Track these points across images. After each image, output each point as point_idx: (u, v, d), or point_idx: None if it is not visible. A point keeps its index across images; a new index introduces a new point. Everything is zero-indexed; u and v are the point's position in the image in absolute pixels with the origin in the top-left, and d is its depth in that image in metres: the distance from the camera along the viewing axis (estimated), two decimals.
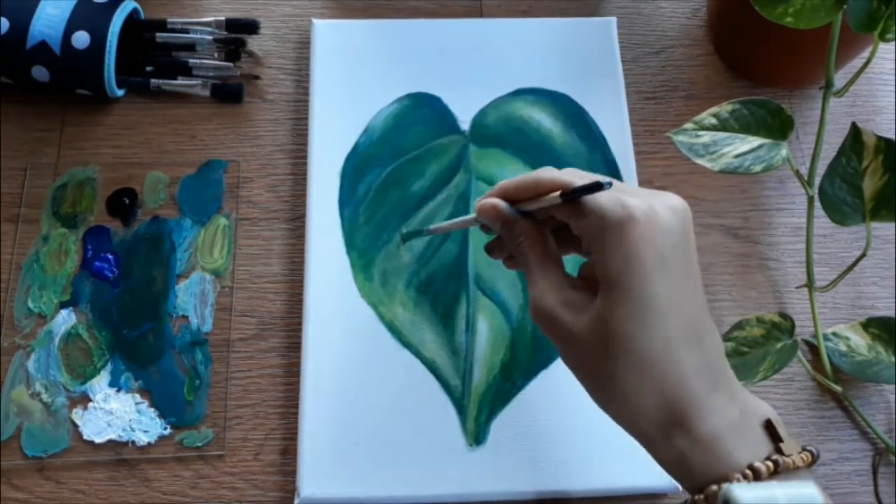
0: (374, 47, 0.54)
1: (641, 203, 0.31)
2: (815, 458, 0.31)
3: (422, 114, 0.52)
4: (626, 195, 0.32)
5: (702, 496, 0.30)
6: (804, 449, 0.31)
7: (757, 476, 0.29)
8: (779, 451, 0.31)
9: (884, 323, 0.47)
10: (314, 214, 0.49)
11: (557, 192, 0.33)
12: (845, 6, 0.42)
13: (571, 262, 0.43)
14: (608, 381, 0.32)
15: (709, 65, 0.57)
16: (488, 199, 0.37)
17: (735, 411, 0.31)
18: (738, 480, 0.29)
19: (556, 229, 0.37)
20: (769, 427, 0.31)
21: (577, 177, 0.34)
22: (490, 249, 0.40)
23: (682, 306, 0.31)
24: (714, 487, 0.30)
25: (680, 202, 0.33)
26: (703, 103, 0.52)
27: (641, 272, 0.31)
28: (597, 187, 0.31)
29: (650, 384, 0.31)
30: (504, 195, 0.37)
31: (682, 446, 0.31)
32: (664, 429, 0.31)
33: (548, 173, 0.35)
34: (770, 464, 0.30)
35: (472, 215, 0.39)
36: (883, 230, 0.51)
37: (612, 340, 0.31)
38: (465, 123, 0.52)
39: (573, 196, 0.32)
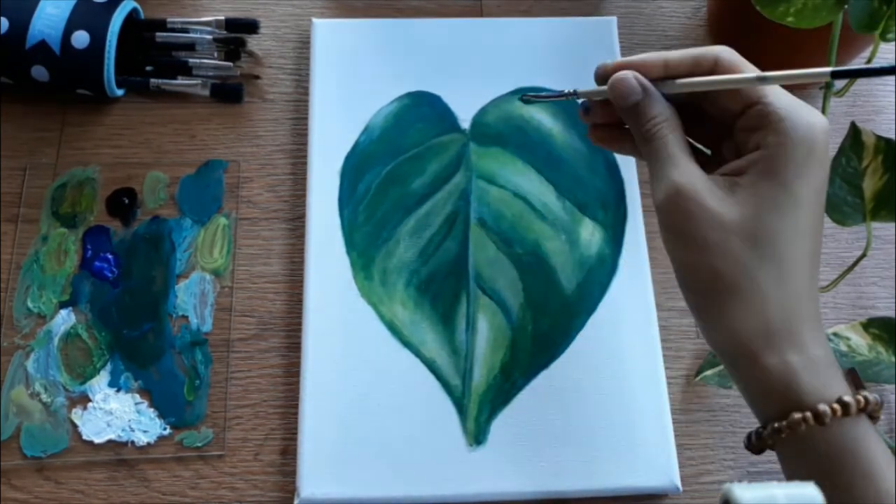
0: (374, 46, 0.54)
1: (820, 123, 0.32)
2: (880, 406, 0.32)
3: (422, 112, 0.52)
4: (806, 112, 0.32)
5: (784, 423, 0.30)
6: (877, 399, 0.32)
7: (846, 410, 0.30)
8: (860, 393, 0.31)
9: (884, 323, 0.47)
10: (314, 214, 0.49)
11: (739, 76, 0.32)
12: (846, 6, 0.42)
13: None
14: (742, 277, 0.31)
15: None
16: (625, 71, 0.34)
17: (827, 350, 0.32)
18: (828, 410, 0.29)
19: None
20: (853, 373, 0.34)
21: (745, 65, 0.34)
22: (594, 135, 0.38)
23: (819, 229, 0.32)
24: (797, 415, 0.30)
25: (827, 124, 0.33)
26: None
27: (817, 185, 0.31)
28: (883, 70, 0.31)
29: (787, 293, 0.31)
30: (654, 66, 0.34)
31: (793, 361, 0.31)
32: (779, 340, 0.31)
33: (726, 53, 0.34)
34: (861, 399, 0.30)
35: (601, 87, 0.35)
36: (883, 230, 0.51)
37: (761, 234, 0.31)
38: (465, 122, 0.52)
39: (838, 76, 0.31)
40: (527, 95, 0.41)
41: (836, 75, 0.30)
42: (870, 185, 0.45)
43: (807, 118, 0.32)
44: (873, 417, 0.31)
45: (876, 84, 0.57)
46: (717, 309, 0.32)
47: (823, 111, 0.45)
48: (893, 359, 0.46)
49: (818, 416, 0.30)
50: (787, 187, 0.31)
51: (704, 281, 0.32)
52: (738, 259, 0.31)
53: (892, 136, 0.45)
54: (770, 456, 0.46)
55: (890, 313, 0.49)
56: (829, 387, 0.30)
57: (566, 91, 0.38)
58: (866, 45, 0.49)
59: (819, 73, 0.31)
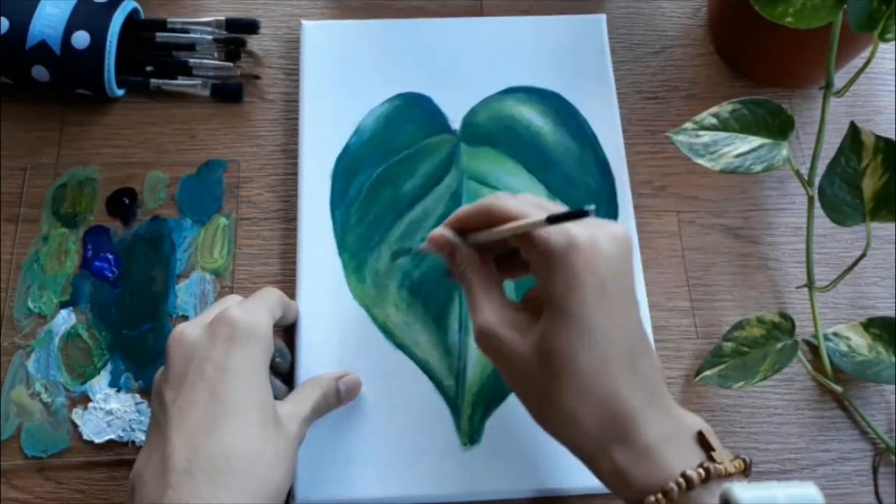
0: (365, 48, 0.54)
1: (584, 231, 0.34)
2: (748, 465, 0.33)
3: (412, 113, 0.52)
4: (571, 224, 0.34)
5: None
6: (737, 457, 0.33)
7: (689, 484, 0.31)
8: (711, 459, 0.33)
9: (884, 323, 0.47)
10: (305, 216, 0.49)
11: (514, 225, 0.35)
12: (845, 6, 0.42)
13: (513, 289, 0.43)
14: (550, 400, 0.34)
15: (709, 65, 0.57)
16: (439, 229, 0.40)
17: (669, 425, 0.34)
18: (672, 489, 0.31)
19: (500, 257, 0.40)
20: (701, 438, 0.33)
21: (530, 206, 0.36)
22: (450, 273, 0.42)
23: (618, 329, 0.34)
24: (651, 498, 0.32)
25: (621, 231, 0.35)
26: (704, 103, 0.52)
27: (581, 296, 0.33)
28: (581, 214, 0.31)
29: (590, 401, 0.33)
30: (457, 224, 0.39)
31: (621, 459, 0.33)
32: (604, 443, 0.33)
33: (499, 202, 0.37)
34: (701, 471, 0.32)
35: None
36: (883, 230, 0.51)
37: (554, 360, 0.33)
38: (455, 123, 0.52)
39: (558, 221, 0.32)
40: (395, 252, 0.48)
41: (551, 220, 0.32)
42: (869, 185, 0.45)
43: (567, 230, 0.34)
44: (741, 473, 0.33)
45: (876, 84, 0.57)
46: (543, 423, 0.36)
47: (823, 112, 0.45)
48: (893, 359, 0.46)
49: None
50: (560, 305, 0.33)
51: (524, 400, 0.37)
52: (540, 384, 0.34)
53: (892, 136, 0.45)
54: (770, 456, 0.46)
55: (890, 313, 0.49)
56: (664, 469, 0.32)
57: (414, 249, 0.47)
58: (865, 46, 0.49)
59: (536, 223, 0.34)
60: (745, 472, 0.33)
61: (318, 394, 0.41)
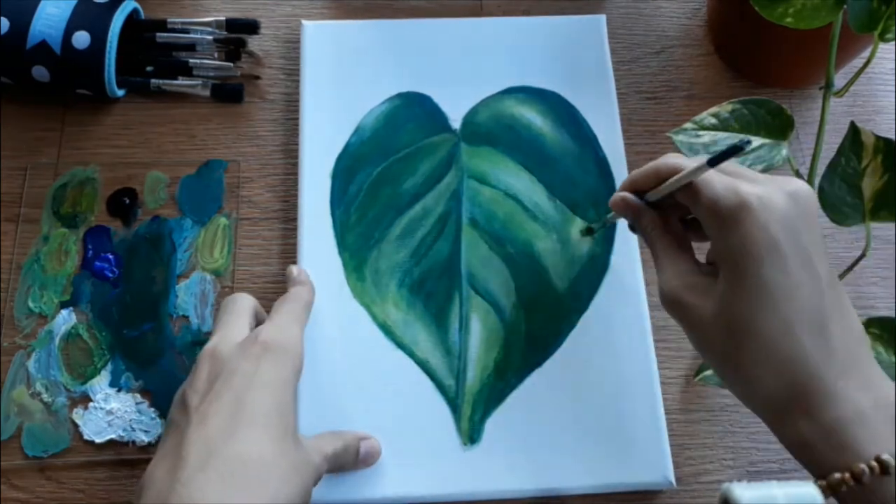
0: (365, 47, 0.54)
1: (757, 189, 0.32)
2: None
3: (412, 113, 0.52)
4: (743, 181, 0.33)
5: (824, 482, 0.30)
6: None
7: (884, 469, 0.28)
8: None
9: (884, 323, 0.47)
10: (306, 215, 0.49)
11: (678, 175, 0.35)
12: (845, 6, 0.42)
13: None
14: (733, 365, 0.33)
15: (709, 65, 0.57)
16: (618, 193, 0.40)
17: (867, 399, 0.30)
18: (863, 472, 0.28)
19: (692, 218, 0.39)
20: None
21: (693, 161, 0.35)
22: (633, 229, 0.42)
23: (799, 290, 0.32)
24: (837, 476, 0.29)
25: (802, 187, 0.33)
26: (704, 103, 0.52)
27: (755, 257, 0.31)
28: (736, 150, 0.31)
29: (773, 367, 0.31)
30: (632, 186, 0.39)
31: (806, 431, 0.31)
32: (787, 412, 0.31)
33: (667, 159, 0.37)
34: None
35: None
36: (883, 230, 0.51)
37: (734, 324, 0.32)
38: (455, 122, 0.52)
39: (719, 161, 0.32)
40: (588, 227, 0.49)
41: (712, 163, 0.32)
42: (869, 185, 0.45)
43: (736, 188, 0.33)
44: None
45: (876, 84, 0.57)
46: (729, 385, 0.35)
47: (823, 112, 0.45)
48: (893, 359, 0.46)
49: (832, 486, 0.29)
50: (736, 267, 0.32)
51: (710, 362, 0.35)
52: (722, 349, 0.33)
53: (892, 136, 0.45)
54: (770, 456, 0.46)
55: (890, 313, 0.49)
56: (855, 449, 0.29)
57: (606, 219, 0.47)
58: (865, 46, 0.49)
59: (697, 169, 0.33)
60: None
61: (340, 444, 0.40)
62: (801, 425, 0.31)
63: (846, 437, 0.30)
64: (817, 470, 0.31)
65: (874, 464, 0.29)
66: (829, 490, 0.29)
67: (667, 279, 0.36)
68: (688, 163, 0.35)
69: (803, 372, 0.31)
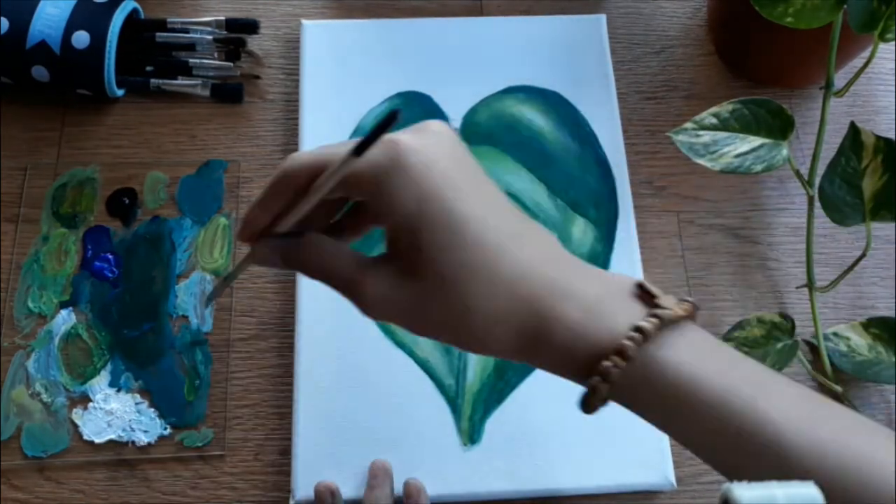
0: (364, 47, 0.54)
1: (407, 137, 0.29)
2: (696, 307, 0.29)
3: (412, 112, 0.52)
4: (389, 137, 0.29)
5: (598, 378, 0.27)
6: (682, 300, 0.29)
7: (644, 335, 0.27)
8: (656, 306, 0.28)
9: (884, 323, 0.47)
10: None
11: (322, 179, 0.28)
12: (845, 6, 0.42)
13: None
14: (466, 319, 0.29)
15: (709, 65, 0.57)
16: (260, 244, 0.32)
17: (597, 285, 0.29)
18: (627, 346, 0.27)
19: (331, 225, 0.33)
20: (641, 288, 0.29)
21: (325, 153, 0.29)
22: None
23: (492, 213, 0.29)
24: (606, 363, 0.27)
25: (437, 125, 0.30)
26: (704, 103, 0.52)
27: (436, 197, 0.28)
28: (389, 121, 0.25)
29: (499, 295, 0.28)
30: (260, 219, 0.31)
31: (557, 335, 0.28)
32: (532, 331, 0.29)
33: (291, 164, 0.30)
34: (653, 320, 0.27)
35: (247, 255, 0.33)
36: (883, 230, 0.51)
37: (446, 275, 0.28)
38: (455, 121, 0.52)
39: (368, 144, 0.26)
40: (202, 302, 0.47)
41: (359, 150, 0.26)
42: (869, 185, 0.45)
43: (390, 142, 0.28)
44: (689, 318, 0.28)
45: (876, 84, 0.57)
46: (465, 345, 0.31)
47: (823, 112, 0.45)
48: (893, 359, 0.46)
49: (604, 375, 0.27)
50: (423, 218, 0.28)
51: (439, 336, 0.31)
52: (447, 310, 0.29)
53: (892, 136, 0.45)
54: None
55: (890, 313, 0.49)
56: (610, 328, 0.27)
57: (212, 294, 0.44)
58: (865, 45, 0.49)
59: (344, 161, 0.27)
60: (693, 316, 0.29)
61: None
62: (551, 335, 0.28)
63: (597, 322, 0.28)
64: (580, 370, 0.28)
65: (634, 334, 0.27)
66: (605, 386, 0.27)
67: (373, 294, 0.30)
68: (320, 159, 0.29)
69: (530, 282, 0.29)
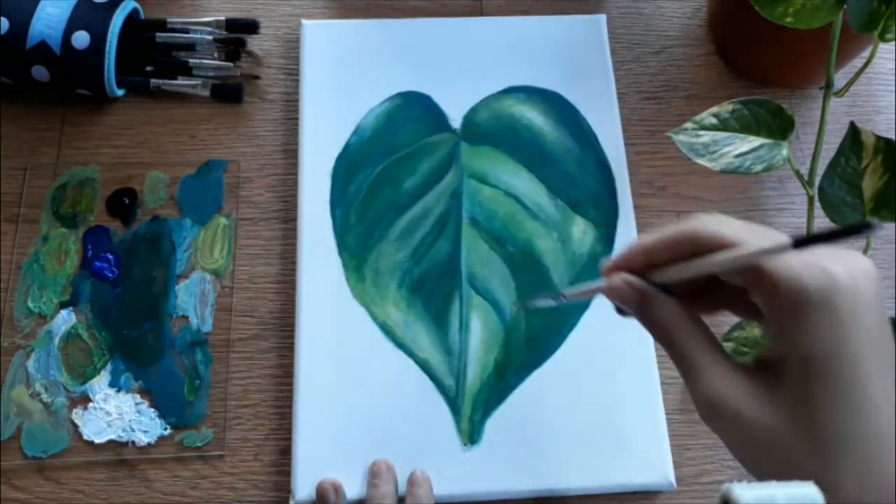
0: (365, 47, 0.54)
1: (841, 269, 0.26)
2: None
3: (412, 112, 0.52)
4: (822, 258, 0.26)
5: None
6: None
7: None
8: None
9: None
10: (305, 215, 0.49)
11: (735, 255, 0.26)
12: (845, 6, 0.42)
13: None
14: (813, 478, 0.26)
15: (709, 65, 0.57)
16: (617, 276, 0.30)
17: None
18: None
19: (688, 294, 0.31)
20: None
21: (742, 230, 0.28)
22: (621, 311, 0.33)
23: (887, 382, 0.26)
24: None
25: (870, 264, 0.27)
26: (704, 103, 0.52)
27: (854, 355, 0.26)
28: (860, 228, 0.22)
29: (868, 483, 0.26)
30: (640, 262, 0.30)
31: None
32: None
33: (696, 228, 0.28)
34: None
35: (601, 283, 0.31)
36: (883, 230, 0.51)
37: (822, 437, 0.26)
38: (456, 121, 0.52)
39: (811, 244, 0.23)
40: (519, 304, 0.46)
41: (798, 244, 0.25)
42: (869, 185, 0.45)
43: (823, 267, 0.26)
44: None
45: (876, 84, 0.57)
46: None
47: (823, 112, 0.45)
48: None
49: None
50: (825, 367, 0.26)
51: (763, 474, 0.29)
52: (788, 457, 0.27)
53: (892, 136, 0.45)
54: None
55: (890, 313, 0.49)
56: None
57: (559, 294, 0.38)
58: (866, 46, 0.49)
59: (777, 248, 0.26)
60: None
61: None
62: None
63: None
64: None
65: None
66: None
67: (712, 386, 0.28)
68: (736, 235, 0.27)
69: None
